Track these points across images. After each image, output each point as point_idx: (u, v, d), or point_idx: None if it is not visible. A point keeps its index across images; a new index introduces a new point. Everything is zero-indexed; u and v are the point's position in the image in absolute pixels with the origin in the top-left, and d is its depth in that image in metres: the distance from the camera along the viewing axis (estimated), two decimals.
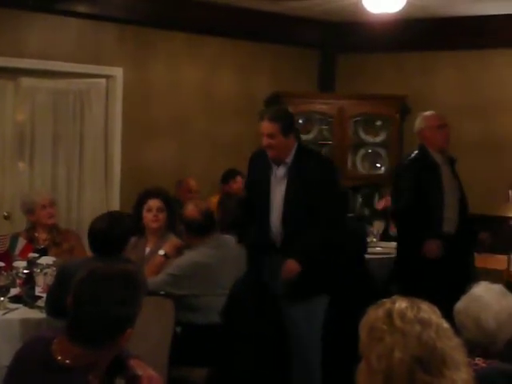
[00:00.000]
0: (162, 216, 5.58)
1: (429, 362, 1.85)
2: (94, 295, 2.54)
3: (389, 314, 1.93)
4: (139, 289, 2.61)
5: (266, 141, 5.00)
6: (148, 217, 5.58)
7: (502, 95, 8.62)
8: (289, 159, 5.06)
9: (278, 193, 5.06)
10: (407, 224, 6.16)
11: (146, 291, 2.66)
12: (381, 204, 8.04)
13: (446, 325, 1.93)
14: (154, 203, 5.58)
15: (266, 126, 5.00)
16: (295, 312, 5.09)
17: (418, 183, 6.09)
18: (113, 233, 4.50)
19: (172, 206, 5.74)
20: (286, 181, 5.05)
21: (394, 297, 2.00)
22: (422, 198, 6.06)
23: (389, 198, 7.82)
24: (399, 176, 6.38)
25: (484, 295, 3.30)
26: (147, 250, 5.53)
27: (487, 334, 3.21)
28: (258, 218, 5.21)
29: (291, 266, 4.96)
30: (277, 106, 5.61)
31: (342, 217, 5.33)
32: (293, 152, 5.07)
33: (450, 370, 1.86)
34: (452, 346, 1.89)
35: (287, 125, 5.02)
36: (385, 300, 2.00)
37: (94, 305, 2.52)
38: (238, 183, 7.83)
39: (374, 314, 1.95)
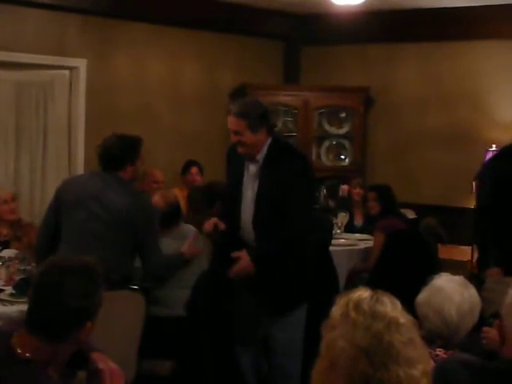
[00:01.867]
0: None
1: (374, 354, 1.85)
2: (53, 288, 2.53)
3: (346, 305, 1.93)
4: (99, 282, 2.60)
5: (233, 137, 4.66)
6: None
7: (464, 87, 8.69)
8: (260, 156, 4.67)
9: (249, 191, 4.73)
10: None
11: (105, 285, 2.64)
12: (345, 189, 8.07)
13: (402, 319, 1.93)
14: None
15: (232, 122, 4.65)
16: (274, 327, 4.78)
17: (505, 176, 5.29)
18: (113, 151, 4.74)
19: None
20: (257, 179, 4.69)
21: (361, 288, 2.00)
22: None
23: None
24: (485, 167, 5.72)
25: (445, 287, 3.33)
26: None
27: (450, 326, 3.24)
28: (229, 216, 4.84)
29: (243, 261, 4.62)
30: (246, 99, 5.10)
31: (309, 221, 4.79)
32: (265, 148, 4.66)
33: (397, 364, 1.86)
34: (404, 341, 1.89)
35: (255, 120, 4.60)
36: (352, 290, 2.00)
37: (54, 298, 2.51)
38: (192, 175, 7.87)
39: (337, 304, 1.96)
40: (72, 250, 4.50)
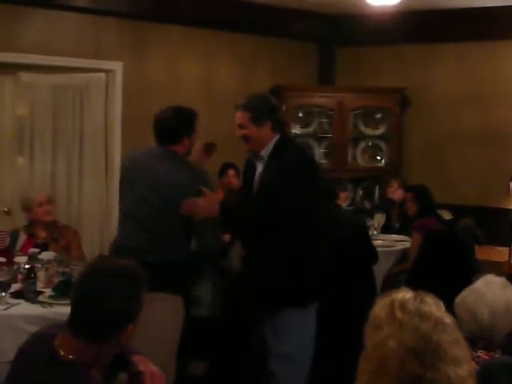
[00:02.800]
0: None
1: (423, 354, 1.85)
2: (95, 291, 2.55)
3: (391, 305, 1.93)
4: (140, 285, 2.62)
5: (238, 131, 4.56)
6: None
7: (502, 87, 8.62)
8: (265, 153, 4.54)
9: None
10: None
11: (147, 288, 2.65)
12: (396, 194, 8.01)
13: (447, 319, 1.93)
14: None
15: (237, 116, 4.57)
16: (269, 326, 4.55)
17: None
18: (169, 123, 4.75)
19: None
20: (260, 178, 4.57)
21: (401, 289, 2.00)
22: None
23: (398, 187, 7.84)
24: None
25: (480, 287, 3.31)
26: None
27: (482, 326, 3.22)
28: None
29: (211, 199, 4.48)
30: (254, 93, 4.83)
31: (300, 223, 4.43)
32: (270, 146, 4.52)
33: (445, 364, 1.86)
34: (450, 341, 1.89)
35: (260, 113, 4.50)
36: (394, 291, 2.00)
37: (96, 300, 2.53)
38: (229, 177, 7.86)
39: (380, 304, 1.96)
40: (129, 224, 4.61)
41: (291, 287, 4.43)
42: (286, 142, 4.59)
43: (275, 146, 4.52)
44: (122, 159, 4.99)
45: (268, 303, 4.48)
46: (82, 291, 2.57)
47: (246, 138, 4.54)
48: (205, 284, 5.16)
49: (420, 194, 7.14)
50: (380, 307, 1.95)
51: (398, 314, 1.90)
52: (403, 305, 1.92)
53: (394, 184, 8.09)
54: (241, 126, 4.54)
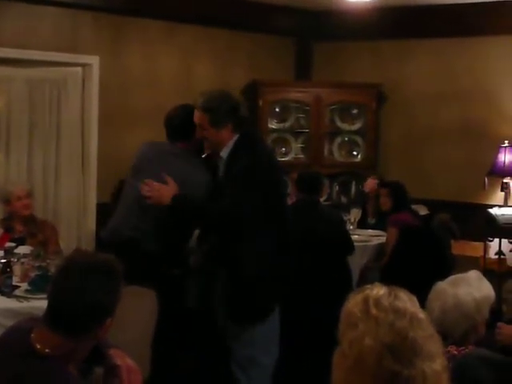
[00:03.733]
0: None
1: (399, 351, 1.86)
2: (74, 285, 2.55)
3: (365, 301, 1.94)
4: (118, 279, 2.62)
5: (197, 132, 4.45)
6: None
7: (477, 83, 8.66)
8: (224, 152, 4.40)
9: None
10: None
11: (124, 282, 2.66)
12: (368, 185, 8.02)
13: (421, 315, 1.94)
14: None
15: (196, 116, 4.41)
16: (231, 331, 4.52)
17: None
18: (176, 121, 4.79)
19: None
20: (222, 178, 4.47)
21: (374, 284, 2.01)
22: None
23: (374, 179, 7.87)
24: None
25: (440, 284, 3.38)
26: None
27: (434, 321, 3.26)
28: None
29: (164, 190, 4.41)
30: (214, 92, 4.53)
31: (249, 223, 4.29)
32: (230, 146, 4.37)
33: (421, 360, 1.87)
34: (425, 336, 1.90)
35: (220, 116, 4.33)
36: (366, 286, 2.01)
37: (73, 294, 2.53)
38: None
39: (353, 301, 1.97)
40: (125, 215, 4.65)
41: (254, 305, 4.36)
42: (244, 141, 4.41)
43: (234, 146, 4.38)
44: (137, 149, 4.99)
45: (231, 317, 4.43)
46: (61, 285, 2.58)
47: (204, 139, 4.43)
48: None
49: (395, 189, 7.18)
50: (353, 304, 1.95)
51: (373, 311, 1.91)
52: (378, 301, 1.93)
53: (372, 179, 8.09)
54: (200, 127, 4.41)
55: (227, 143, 4.37)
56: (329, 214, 6.29)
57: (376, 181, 7.88)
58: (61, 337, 2.53)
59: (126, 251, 3.95)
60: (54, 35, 7.65)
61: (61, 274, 2.61)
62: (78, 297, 2.53)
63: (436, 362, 1.90)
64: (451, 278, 3.44)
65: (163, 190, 4.39)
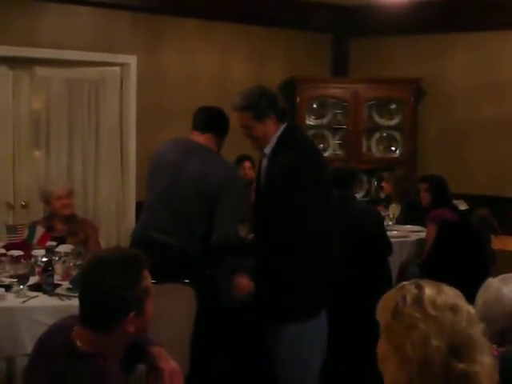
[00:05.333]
0: None
1: (462, 349, 1.85)
2: (91, 280, 2.60)
3: (419, 301, 1.92)
4: (138, 273, 2.63)
5: (244, 133, 4.33)
6: None
7: None
8: (268, 149, 4.28)
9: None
10: None
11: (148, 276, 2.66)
12: (386, 189, 7.99)
13: (472, 310, 1.94)
14: None
15: (238, 118, 4.32)
16: (274, 338, 4.33)
17: None
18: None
19: None
20: (264, 175, 4.32)
21: (414, 280, 2.00)
22: None
23: (386, 184, 7.84)
24: None
25: (493, 282, 3.34)
26: None
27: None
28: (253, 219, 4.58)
29: (242, 282, 4.43)
30: (249, 89, 4.41)
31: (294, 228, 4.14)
32: (274, 139, 4.26)
33: (480, 355, 1.87)
34: (481, 331, 1.90)
35: (261, 109, 4.23)
36: (405, 283, 1.99)
37: (91, 289, 2.59)
38: (245, 169, 7.84)
39: (399, 299, 1.95)
40: (156, 208, 4.62)
41: (302, 299, 4.22)
42: (288, 134, 4.30)
43: (278, 140, 4.26)
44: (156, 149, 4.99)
45: (278, 316, 4.28)
46: (83, 281, 2.63)
47: (252, 138, 4.31)
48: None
49: (434, 184, 7.13)
50: (405, 304, 1.93)
51: (431, 311, 1.89)
52: (433, 301, 1.91)
53: (386, 177, 8.04)
54: (245, 128, 4.30)
55: (272, 137, 4.26)
56: (363, 210, 6.23)
57: (392, 182, 7.83)
58: (93, 333, 2.58)
59: (156, 252, 3.92)
60: (92, 35, 7.71)
61: (83, 271, 2.67)
62: (95, 292, 2.57)
63: (489, 355, 1.90)
64: (504, 275, 3.39)
65: (243, 287, 4.43)
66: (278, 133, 4.25)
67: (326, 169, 4.45)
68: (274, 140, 4.25)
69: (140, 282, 2.61)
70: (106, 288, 2.55)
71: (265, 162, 4.32)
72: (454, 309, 1.90)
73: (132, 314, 2.57)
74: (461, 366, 1.84)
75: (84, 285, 2.61)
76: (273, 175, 4.19)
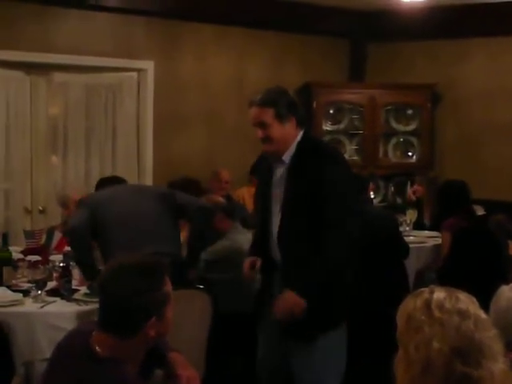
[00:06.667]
0: None
1: (467, 353, 1.85)
2: (109, 287, 2.60)
3: (427, 304, 1.93)
4: (155, 280, 2.63)
5: (259, 133, 3.96)
6: None
7: None
8: (287, 156, 3.96)
9: (277, 198, 4.00)
10: None
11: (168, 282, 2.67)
12: (413, 193, 7.96)
13: (483, 315, 1.94)
14: None
15: (256, 113, 3.96)
16: (298, 355, 4.02)
17: None
18: None
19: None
20: (284, 183, 3.98)
21: (431, 286, 2.00)
22: None
23: (420, 187, 7.81)
24: None
25: (505, 286, 3.31)
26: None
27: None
28: (260, 234, 4.18)
29: (289, 299, 3.84)
30: (270, 88, 4.11)
31: (348, 220, 3.90)
32: (294, 145, 3.97)
33: (488, 360, 1.87)
34: (490, 337, 1.90)
35: (284, 107, 3.94)
36: (423, 289, 2.00)
37: (110, 295, 2.58)
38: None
39: (413, 304, 1.96)
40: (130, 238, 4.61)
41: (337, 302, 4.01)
42: (310, 140, 4.07)
43: (298, 145, 3.97)
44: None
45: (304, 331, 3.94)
46: (103, 287, 2.63)
47: (269, 139, 3.95)
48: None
49: (441, 192, 7.07)
50: (414, 307, 1.94)
51: (437, 314, 1.90)
52: (440, 304, 1.91)
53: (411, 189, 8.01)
54: (262, 126, 3.95)
55: (291, 143, 3.96)
56: (379, 214, 6.22)
57: (418, 187, 7.80)
58: (113, 338, 2.58)
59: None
60: (109, 41, 7.75)
61: (104, 276, 2.67)
62: (121, 297, 2.56)
63: (499, 361, 1.89)
64: None
65: (292, 305, 3.85)
66: (298, 139, 3.98)
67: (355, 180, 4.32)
68: (293, 146, 3.97)
69: (161, 287, 2.61)
70: (129, 293, 2.55)
71: (280, 171, 4.02)
72: (461, 313, 1.91)
73: (153, 319, 2.57)
74: (463, 368, 1.85)
75: (105, 290, 2.62)
76: (312, 180, 3.87)
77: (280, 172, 4.01)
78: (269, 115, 3.92)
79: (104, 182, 5.43)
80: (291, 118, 3.96)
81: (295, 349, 4.00)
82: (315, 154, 3.96)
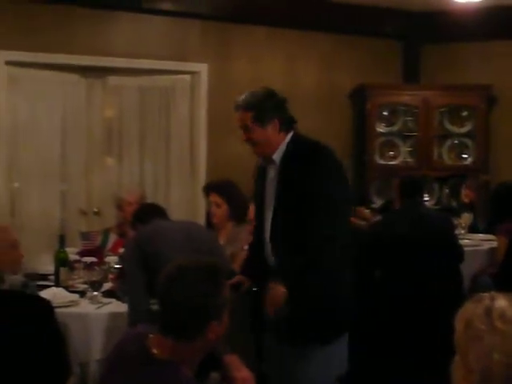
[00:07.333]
0: (218, 211, 5.49)
1: None
2: (173, 289, 2.60)
3: (488, 313, 1.89)
4: (219, 282, 2.64)
5: (243, 135, 3.98)
6: (210, 212, 5.65)
7: None
8: (277, 156, 3.91)
9: (270, 199, 3.97)
10: None
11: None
12: (468, 196, 7.89)
13: None
14: (212, 198, 5.55)
15: (239, 116, 3.96)
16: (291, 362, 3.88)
17: None
18: None
19: (234, 198, 5.57)
20: (275, 184, 3.93)
21: (492, 292, 1.97)
22: None
23: (469, 191, 7.72)
24: None
25: None
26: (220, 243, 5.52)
27: None
28: (255, 235, 4.18)
29: (276, 290, 3.75)
30: (255, 89, 4.06)
31: (334, 231, 3.74)
32: (282, 147, 3.91)
33: None
34: None
35: (264, 111, 3.90)
36: (484, 295, 1.96)
37: (176, 298, 2.58)
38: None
39: (472, 310, 1.92)
40: None
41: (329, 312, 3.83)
42: (301, 140, 3.97)
43: (288, 146, 3.93)
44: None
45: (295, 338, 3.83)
46: (165, 290, 2.63)
47: (252, 142, 3.96)
48: None
49: (495, 195, 6.97)
50: (474, 315, 1.91)
51: (499, 324, 1.86)
52: (502, 313, 1.87)
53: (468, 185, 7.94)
54: (244, 129, 3.95)
55: (277, 145, 3.92)
56: (436, 219, 6.18)
57: (468, 191, 7.72)
58: (173, 341, 2.58)
59: None
60: (163, 44, 7.80)
61: (165, 279, 2.65)
62: (181, 301, 2.57)
63: None
64: None
65: (276, 296, 3.75)
66: (287, 139, 3.93)
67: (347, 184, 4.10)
68: (283, 147, 3.92)
69: (223, 290, 2.62)
70: (194, 295, 2.56)
71: (272, 172, 3.97)
72: None
73: (214, 323, 2.58)
74: None
75: (167, 294, 2.61)
76: (301, 181, 3.79)
77: (272, 173, 3.98)
78: (248, 118, 3.91)
79: (145, 214, 5.05)
80: (273, 121, 3.91)
81: (289, 355, 3.88)
82: (306, 153, 3.88)
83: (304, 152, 3.87)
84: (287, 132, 3.95)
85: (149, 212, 4.91)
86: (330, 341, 3.83)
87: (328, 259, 3.75)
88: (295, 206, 3.78)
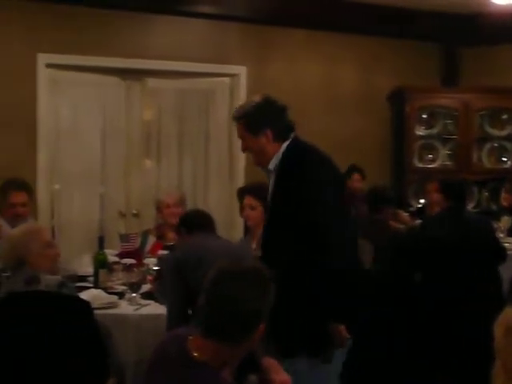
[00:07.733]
0: (253, 213, 5.47)
1: None
2: (224, 293, 2.59)
3: None
4: (267, 285, 2.65)
5: (241, 144, 3.97)
6: (243, 215, 5.65)
7: None
8: (272, 164, 3.85)
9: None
10: None
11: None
12: (506, 200, 7.84)
13: None
14: (247, 201, 5.54)
15: (236, 126, 3.96)
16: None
17: None
18: None
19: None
20: (271, 194, 3.90)
21: None
22: None
23: (507, 195, 7.67)
24: None
25: None
26: (253, 246, 5.53)
27: None
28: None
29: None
30: (251, 98, 4.07)
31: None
32: (278, 156, 3.83)
33: None
34: None
35: (254, 121, 3.84)
36: None
37: (225, 303, 2.57)
38: (353, 181, 7.82)
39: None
40: None
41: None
42: (296, 148, 3.88)
43: (283, 154, 3.84)
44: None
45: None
46: (213, 294, 2.61)
47: (248, 150, 3.94)
48: None
49: None
50: None
51: None
52: None
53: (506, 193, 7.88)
54: (241, 139, 3.93)
55: (272, 154, 3.84)
56: (478, 222, 6.14)
57: (506, 195, 7.67)
58: (216, 344, 2.57)
59: None
60: (202, 47, 7.83)
61: (212, 283, 2.64)
62: (231, 305, 2.56)
63: None
64: None
65: None
66: (283, 148, 3.85)
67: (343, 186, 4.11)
68: (279, 155, 3.84)
69: (269, 293, 2.63)
70: (244, 301, 2.56)
71: (271, 180, 3.89)
72: None
73: (262, 326, 2.59)
74: None
75: (213, 298, 2.60)
76: (287, 191, 3.75)
77: (271, 182, 3.91)
78: (241, 129, 3.90)
79: (192, 222, 4.85)
80: (265, 131, 3.84)
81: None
82: (296, 162, 3.81)
83: (292, 160, 3.81)
84: (284, 140, 3.87)
85: (196, 221, 4.79)
86: (317, 354, 3.67)
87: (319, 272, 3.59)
88: (283, 213, 3.73)
